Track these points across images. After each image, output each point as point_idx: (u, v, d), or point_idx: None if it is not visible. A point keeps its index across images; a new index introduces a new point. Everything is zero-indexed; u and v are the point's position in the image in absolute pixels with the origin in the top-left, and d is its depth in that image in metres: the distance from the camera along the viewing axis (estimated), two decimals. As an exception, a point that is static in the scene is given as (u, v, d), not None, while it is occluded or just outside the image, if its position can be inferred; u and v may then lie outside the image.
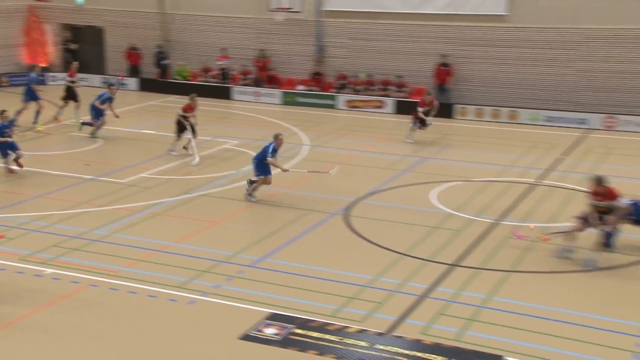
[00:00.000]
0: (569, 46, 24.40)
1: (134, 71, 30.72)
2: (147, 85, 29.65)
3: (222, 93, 28.25)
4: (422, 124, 21.06)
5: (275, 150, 15.22)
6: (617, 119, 23.38)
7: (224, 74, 29.26)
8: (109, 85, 21.66)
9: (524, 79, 25.08)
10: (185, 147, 19.10)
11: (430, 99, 21.31)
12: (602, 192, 11.86)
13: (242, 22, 29.48)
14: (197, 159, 18.44)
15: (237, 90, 28.60)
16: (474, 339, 9.49)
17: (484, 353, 9.10)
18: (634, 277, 11.76)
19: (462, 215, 14.63)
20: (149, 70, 30.70)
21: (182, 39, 30.65)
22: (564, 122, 23.94)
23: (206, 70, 29.75)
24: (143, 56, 30.70)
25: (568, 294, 11.20)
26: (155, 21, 30.68)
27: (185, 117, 18.96)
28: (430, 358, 9.02)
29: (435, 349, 9.25)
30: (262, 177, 15.24)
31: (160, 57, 30.30)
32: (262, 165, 15.22)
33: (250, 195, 15.42)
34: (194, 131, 19.03)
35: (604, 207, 11.89)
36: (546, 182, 17.25)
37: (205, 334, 9.72)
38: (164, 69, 30.44)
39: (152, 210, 14.81)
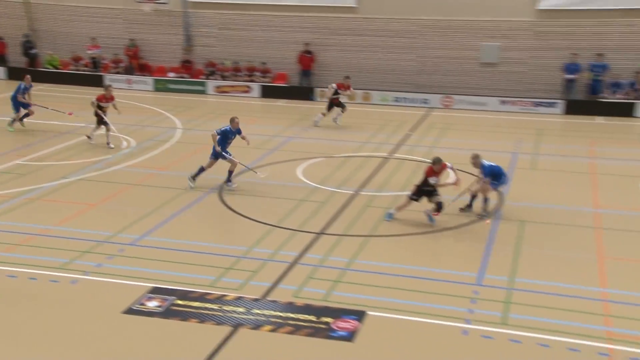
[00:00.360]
0: (410, 35, 25.36)
1: (-1, 60, 28.66)
2: (16, 74, 27.56)
3: (94, 81, 26.93)
4: (340, 106, 20.87)
5: (231, 133, 14.39)
6: (453, 99, 24.62)
7: (95, 63, 27.96)
8: (24, 75, 20.13)
9: (374, 64, 25.81)
10: (88, 137, 18.09)
11: (348, 84, 21.20)
12: (438, 170, 12.46)
13: (111, 12, 28.22)
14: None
15: (109, 78, 27.36)
16: (340, 298, 9.73)
17: (350, 310, 9.35)
18: (467, 236, 12.39)
19: (325, 188, 14.88)
20: (17, 59, 28.70)
21: (50, 28, 28.87)
22: (410, 102, 24.90)
23: (77, 59, 28.25)
24: (8, 45, 28.65)
25: (417, 253, 11.71)
26: (20, 10, 28.62)
27: (100, 108, 17.81)
28: (302, 318, 9.16)
29: (306, 309, 9.41)
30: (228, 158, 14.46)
31: (28, 47, 28.41)
32: (224, 147, 14.45)
33: (229, 181, 14.59)
34: (103, 120, 17.90)
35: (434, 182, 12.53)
36: (397, 155, 17.90)
37: (89, 310, 9.32)
38: (32, 58, 28.58)
39: (28, 196, 13.91)
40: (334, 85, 20.84)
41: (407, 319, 9.18)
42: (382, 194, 14.51)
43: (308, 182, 15.30)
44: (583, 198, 14.35)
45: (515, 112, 23.66)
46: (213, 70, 27.00)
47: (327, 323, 9.03)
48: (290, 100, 25.33)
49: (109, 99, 18.02)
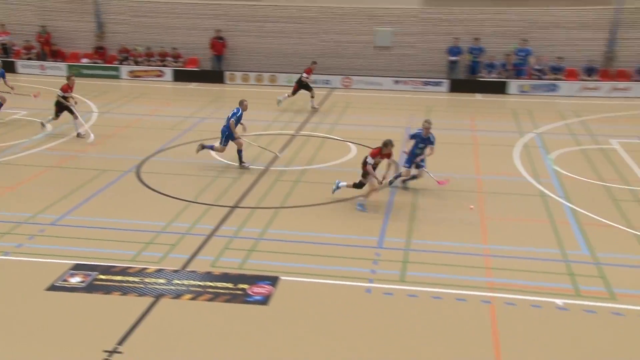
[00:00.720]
0: (313, 21, 25.27)
1: None
2: None
3: (6, 67, 25.06)
4: (308, 89, 20.46)
5: (241, 116, 14.06)
6: (352, 79, 24.83)
7: (5, 49, 26.09)
8: None
9: (280, 48, 25.57)
10: (79, 134, 16.68)
11: (313, 68, 20.78)
12: (385, 153, 12.00)
13: (21, -1, 26.40)
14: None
15: (21, 64, 25.69)
16: (255, 266, 9.69)
17: (264, 276, 9.34)
18: (368, 205, 12.36)
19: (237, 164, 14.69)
20: None
21: (-43, 14, 26.63)
22: (313, 83, 24.79)
23: (-14, 46, 26.29)
24: None
25: (323, 221, 11.72)
26: None
27: (65, 98, 16.51)
28: (220, 285, 9.07)
29: (224, 277, 9.31)
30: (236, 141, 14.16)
31: None
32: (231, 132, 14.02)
33: (243, 163, 14.34)
34: (72, 110, 16.57)
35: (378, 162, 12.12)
36: (303, 132, 17.90)
37: (11, 289, 8.82)
38: (-61, 45, 26.34)
39: (-57, 182, 12.90)
40: (305, 75, 20.56)
41: (316, 282, 9.28)
42: (290, 168, 14.49)
43: (221, 159, 15.05)
44: (467, 166, 14.91)
45: (407, 91, 24.18)
46: (126, 55, 25.88)
47: (243, 289, 8.98)
48: (201, 84, 24.73)
49: (72, 87, 16.85)
